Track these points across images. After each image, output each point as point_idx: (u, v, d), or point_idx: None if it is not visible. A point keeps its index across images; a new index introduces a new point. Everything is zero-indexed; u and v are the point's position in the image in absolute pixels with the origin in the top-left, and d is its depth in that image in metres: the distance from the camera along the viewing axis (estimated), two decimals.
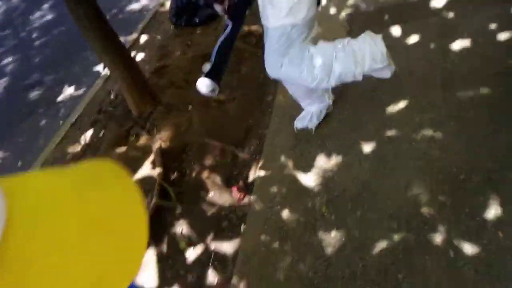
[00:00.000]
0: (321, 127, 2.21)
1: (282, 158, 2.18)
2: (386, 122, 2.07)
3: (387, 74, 1.81)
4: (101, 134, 2.80)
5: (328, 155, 2.07)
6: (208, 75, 1.73)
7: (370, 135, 2.05)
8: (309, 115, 2.20)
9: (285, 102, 2.49)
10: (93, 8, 2.36)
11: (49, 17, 5.87)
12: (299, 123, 2.26)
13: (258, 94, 2.71)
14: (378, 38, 1.74)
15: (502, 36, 2.17)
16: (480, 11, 2.40)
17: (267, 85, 2.73)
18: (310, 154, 2.12)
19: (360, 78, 1.76)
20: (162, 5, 4.52)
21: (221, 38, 1.79)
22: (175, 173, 2.31)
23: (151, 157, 2.38)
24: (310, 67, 1.74)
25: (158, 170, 2.27)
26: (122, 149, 2.55)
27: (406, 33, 2.49)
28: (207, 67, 1.74)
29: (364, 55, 1.70)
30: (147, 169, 2.36)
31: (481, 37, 2.23)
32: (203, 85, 1.75)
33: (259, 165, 2.20)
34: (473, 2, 2.48)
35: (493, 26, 2.25)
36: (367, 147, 2.00)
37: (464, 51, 2.22)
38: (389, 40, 2.19)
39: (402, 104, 2.11)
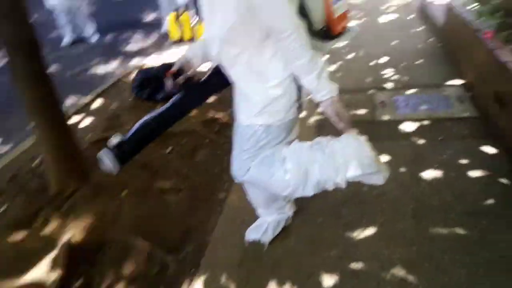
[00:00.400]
0: (276, 244, 1.85)
1: (223, 278, 1.73)
2: (351, 250, 1.75)
3: (378, 180, 1.44)
4: (1, 209, 2.20)
5: (281, 283, 1.66)
6: (112, 151, 1.38)
7: (332, 264, 1.70)
8: (265, 226, 1.86)
9: (238, 203, 2.14)
10: (34, 59, 2.00)
11: None
12: (251, 234, 1.89)
13: (209, 189, 2.36)
14: (363, 139, 1.40)
15: (474, 173, 2.07)
16: (449, 144, 2.35)
17: (221, 180, 2.41)
18: (258, 279, 1.70)
19: (343, 185, 1.41)
20: (129, 74, 4.32)
21: (152, 114, 1.48)
22: (80, 279, 1.74)
23: (55, 252, 1.82)
24: (281, 172, 1.42)
25: (57, 272, 1.70)
26: (21, 235, 1.96)
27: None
28: (115, 140, 1.39)
29: (348, 160, 1.37)
30: (42, 269, 1.76)
31: (452, 171, 2.12)
32: (101, 160, 1.43)
33: (193, 283, 1.73)
34: (443, 133, 2.46)
35: (463, 161, 2.17)
36: (328, 280, 1.63)
37: (434, 181, 2.07)
38: None
39: (370, 230, 1.83)
